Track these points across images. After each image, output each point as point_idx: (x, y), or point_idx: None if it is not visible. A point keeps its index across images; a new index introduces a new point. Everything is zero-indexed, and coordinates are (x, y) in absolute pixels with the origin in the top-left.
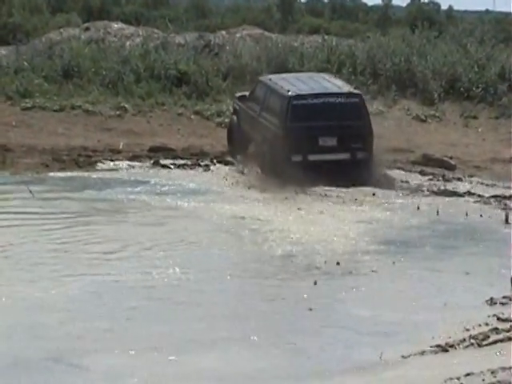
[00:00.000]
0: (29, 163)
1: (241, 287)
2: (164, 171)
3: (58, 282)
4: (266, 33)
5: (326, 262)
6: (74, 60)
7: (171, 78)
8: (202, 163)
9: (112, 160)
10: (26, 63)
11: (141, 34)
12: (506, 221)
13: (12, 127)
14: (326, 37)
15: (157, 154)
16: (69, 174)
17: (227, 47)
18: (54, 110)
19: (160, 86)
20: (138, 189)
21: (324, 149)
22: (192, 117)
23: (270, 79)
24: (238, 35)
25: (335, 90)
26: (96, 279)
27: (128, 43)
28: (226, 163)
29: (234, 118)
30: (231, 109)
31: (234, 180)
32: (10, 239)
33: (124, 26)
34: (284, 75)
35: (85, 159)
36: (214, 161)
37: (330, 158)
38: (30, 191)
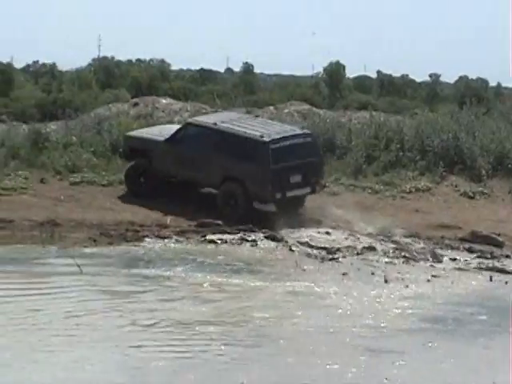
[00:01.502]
0: (77, 238)
1: (292, 364)
2: (211, 246)
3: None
4: (314, 108)
5: (374, 338)
6: (123, 135)
7: None
8: (249, 238)
9: (159, 235)
10: (74, 138)
11: (189, 109)
12: None
13: (60, 202)
14: (373, 113)
15: (204, 229)
16: (116, 248)
17: None
18: (102, 185)
19: None
20: (185, 265)
21: (294, 185)
22: None
23: (216, 123)
24: (285, 111)
25: (296, 131)
26: (139, 355)
27: (176, 118)
28: (274, 239)
29: (138, 161)
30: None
31: (280, 256)
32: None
33: (172, 101)
34: (220, 118)
35: (132, 234)
36: (261, 236)
37: (298, 193)
38: (79, 266)
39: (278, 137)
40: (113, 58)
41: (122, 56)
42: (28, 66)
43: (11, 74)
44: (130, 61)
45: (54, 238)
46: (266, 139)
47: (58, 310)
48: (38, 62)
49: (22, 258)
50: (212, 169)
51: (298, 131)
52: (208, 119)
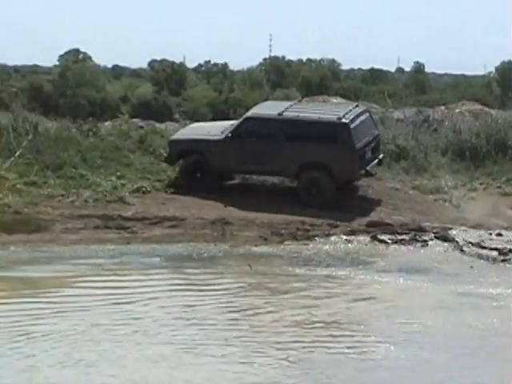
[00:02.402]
0: (248, 236)
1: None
2: (381, 246)
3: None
4: (486, 108)
5: None
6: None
7: (390, 153)
8: (419, 239)
9: (329, 234)
10: None
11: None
12: None
13: (232, 200)
14: None
15: (374, 229)
16: (287, 247)
17: (446, 122)
18: (274, 183)
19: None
20: (353, 265)
21: (368, 160)
22: (410, 192)
23: (281, 113)
24: (457, 110)
25: (358, 109)
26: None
27: None
28: (445, 239)
29: (195, 157)
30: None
31: (451, 256)
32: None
33: (343, 100)
34: (276, 107)
35: (303, 233)
36: (432, 236)
37: (371, 167)
38: (249, 264)
39: (352, 116)
40: (283, 57)
41: (292, 55)
42: (200, 65)
43: (184, 74)
44: (300, 60)
45: (226, 236)
46: (346, 120)
47: (220, 306)
48: (209, 61)
49: (194, 255)
50: (286, 158)
51: (359, 109)
52: (265, 111)
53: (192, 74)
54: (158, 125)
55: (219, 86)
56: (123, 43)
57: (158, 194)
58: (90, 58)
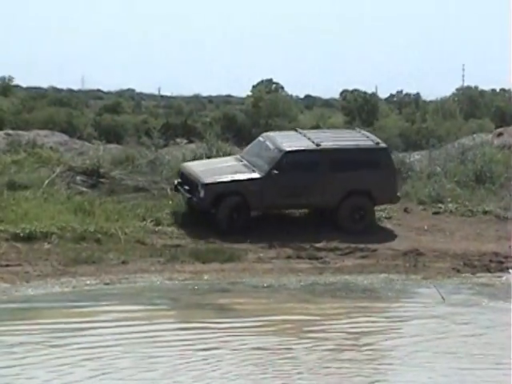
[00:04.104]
0: (440, 267)
1: None
2: None
3: None
4: None
5: None
6: (487, 165)
7: None
8: None
9: None
10: (438, 168)
11: None
12: None
13: (424, 231)
14: None
15: None
16: (479, 279)
17: None
18: (466, 215)
19: None
20: None
21: None
22: None
23: (319, 144)
24: None
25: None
26: None
27: None
28: None
29: (235, 199)
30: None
31: None
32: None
33: None
34: (308, 138)
35: (496, 265)
36: None
37: None
38: (441, 295)
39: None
40: (476, 87)
41: (485, 85)
42: (392, 95)
43: (376, 104)
44: (493, 90)
45: (418, 267)
46: (385, 145)
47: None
48: (401, 91)
49: (387, 286)
50: (330, 188)
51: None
52: (298, 143)
53: (384, 104)
54: None
55: (411, 117)
56: (315, 74)
57: None
58: (282, 88)
